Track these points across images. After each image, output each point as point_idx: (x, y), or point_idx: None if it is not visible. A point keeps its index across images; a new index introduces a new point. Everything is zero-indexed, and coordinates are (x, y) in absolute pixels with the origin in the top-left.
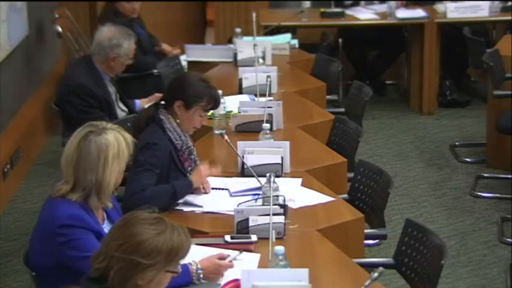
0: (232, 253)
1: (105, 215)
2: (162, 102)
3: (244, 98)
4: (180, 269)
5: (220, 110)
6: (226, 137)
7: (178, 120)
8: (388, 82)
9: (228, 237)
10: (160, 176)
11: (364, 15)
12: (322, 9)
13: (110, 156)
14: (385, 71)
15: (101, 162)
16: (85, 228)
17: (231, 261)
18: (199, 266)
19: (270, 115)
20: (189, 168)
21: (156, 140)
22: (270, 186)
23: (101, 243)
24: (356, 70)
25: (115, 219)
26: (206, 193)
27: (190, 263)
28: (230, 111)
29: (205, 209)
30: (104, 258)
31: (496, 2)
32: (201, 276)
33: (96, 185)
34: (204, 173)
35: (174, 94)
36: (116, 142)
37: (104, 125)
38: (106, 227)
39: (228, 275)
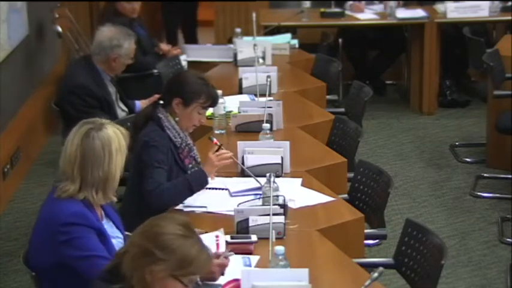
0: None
1: (103, 212)
2: (161, 102)
3: (244, 98)
4: (189, 285)
5: (220, 110)
6: (215, 140)
7: (177, 118)
8: (388, 82)
9: (228, 237)
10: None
11: (364, 15)
12: (322, 9)
13: (114, 150)
14: (385, 71)
15: (106, 156)
16: (88, 226)
17: (226, 257)
18: None
19: (270, 115)
20: (190, 166)
21: (155, 138)
22: (270, 186)
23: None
24: (356, 70)
25: (112, 216)
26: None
27: None
28: (230, 111)
29: (207, 209)
30: (126, 245)
31: (496, 2)
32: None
33: (103, 180)
34: (214, 160)
35: (172, 92)
36: (115, 136)
37: (100, 121)
38: (106, 224)
39: (230, 275)
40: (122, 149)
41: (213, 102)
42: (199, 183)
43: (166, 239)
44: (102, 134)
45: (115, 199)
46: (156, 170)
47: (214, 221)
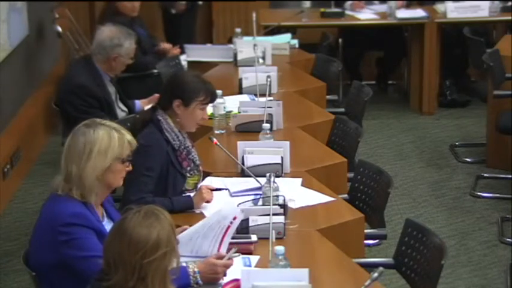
0: (230, 251)
1: (104, 212)
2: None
3: (244, 98)
4: None
5: (220, 110)
6: (215, 140)
7: (178, 119)
8: (388, 82)
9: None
10: (159, 176)
11: (364, 15)
12: (322, 9)
13: (95, 150)
14: (389, 74)
15: (85, 154)
16: (87, 226)
17: (229, 259)
18: (196, 269)
19: (270, 115)
20: (188, 168)
21: (150, 142)
22: (270, 186)
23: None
24: (356, 70)
25: (114, 216)
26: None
27: (188, 265)
28: (230, 111)
29: (206, 209)
30: (129, 273)
31: (496, 2)
32: (199, 279)
33: (78, 177)
34: (205, 193)
35: (171, 94)
36: (107, 138)
37: (102, 122)
38: (106, 224)
39: (230, 275)
40: (109, 153)
41: (212, 98)
42: (182, 210)
43: (159, 237)
44: (90, 131)
45: (93, 200)
46: (143, 179)
47: None
